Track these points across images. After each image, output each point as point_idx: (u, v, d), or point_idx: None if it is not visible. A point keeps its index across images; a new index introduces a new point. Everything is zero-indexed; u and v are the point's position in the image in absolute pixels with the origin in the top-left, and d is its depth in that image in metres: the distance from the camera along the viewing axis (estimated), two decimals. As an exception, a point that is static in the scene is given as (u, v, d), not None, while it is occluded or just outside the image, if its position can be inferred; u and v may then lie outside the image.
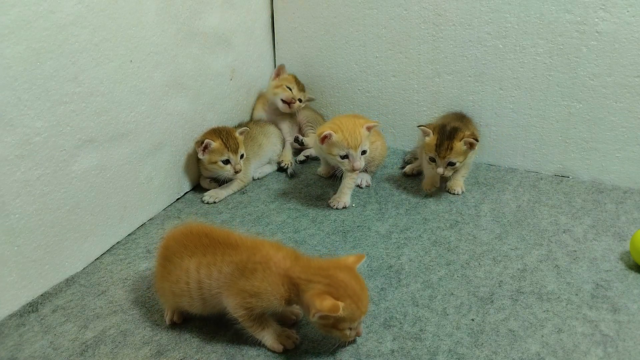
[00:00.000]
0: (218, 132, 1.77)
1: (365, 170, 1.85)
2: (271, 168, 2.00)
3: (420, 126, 1.75)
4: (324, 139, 1.62)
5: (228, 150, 1.74)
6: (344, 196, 1.75)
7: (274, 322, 1.18)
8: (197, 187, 1.89)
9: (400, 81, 2.04)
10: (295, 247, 1.32)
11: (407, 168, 1.93)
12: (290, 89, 2.02)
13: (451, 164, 1.70)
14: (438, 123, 1.76)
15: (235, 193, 1.85)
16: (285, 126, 2.09)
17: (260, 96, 2.15)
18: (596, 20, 1.68)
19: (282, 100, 2.02)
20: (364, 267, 1.40)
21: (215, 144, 1.73)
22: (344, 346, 1.19)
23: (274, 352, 1.18)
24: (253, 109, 2.15)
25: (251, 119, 2.13)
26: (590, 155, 1.84)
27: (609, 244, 1.52)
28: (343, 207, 1.73)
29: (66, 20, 1.31)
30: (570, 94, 1.80)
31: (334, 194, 1.78)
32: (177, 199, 1.82)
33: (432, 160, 1.72)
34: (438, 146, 1.69)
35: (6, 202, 1.25)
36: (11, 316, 1.29)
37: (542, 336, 1.21)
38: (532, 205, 1.72)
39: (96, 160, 1.46)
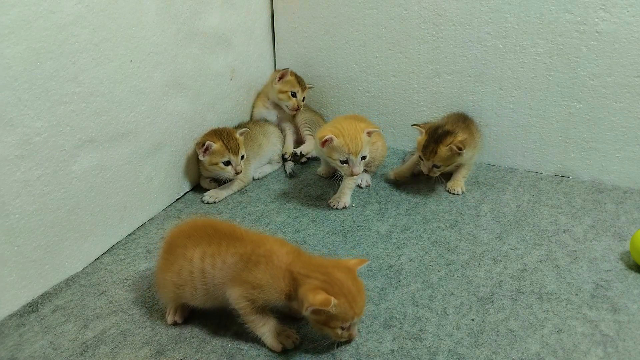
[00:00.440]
0: (219, 134, 1.77)
1: (365, 170, 1.85)
2: (271, 168, 2.00)
3: (414, 125, 1.79)
4: (324, 142, 1.61)
5: (229, 151, 1.74)
6: (344, 196, 1.75)
7: (275, 320, 1.19)
8: (197, 187, 1.89)
9: (400, 81, 2.04)
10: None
11: (392, 173, 1.91)
12: (295, 94, 2.02)
13: (436, 166, 1.72)
14: (433, 123, 1.77)
15: (235, 193, 1.85)
16: (288, 121, 2.10)
17: (260, 93, 2.15)
18: (596, 20, 1.68)
19: (287, 106, 2.04)
20: (364, 267, 1.40)
21: (216, 146, 1.73)
22: (340, 345, 1.19)
23: (273, 351, 1.18)
24: (253, 106, 2.14)
25: (251, 118, 2.13)
26: (590, 155, 1.84)
27: (609, 244, 1.52)
28: (343, 207, 1.73)
29: (66, 20, 1.31)
30: (570, 94, 1.80)
31: (334, 194, 1.78)
32: (177, 199, 1.82)
33: (421, 158, 1.76)
34: (425, 147, 1.72)
35: (6, 202, 1.25)
36: (11, 316, 1.29)
37: (542, 336, 1.21)
38: (532, 205, 1.72)
39: (96, 160, 1.46)
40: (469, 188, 1.83)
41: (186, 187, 1.86)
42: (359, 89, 2.13)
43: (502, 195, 1.79)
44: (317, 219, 1.68)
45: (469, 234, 1.58)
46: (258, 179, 1.95)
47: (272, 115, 2.11)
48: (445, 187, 1.83)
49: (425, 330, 1.23)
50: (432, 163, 1.72)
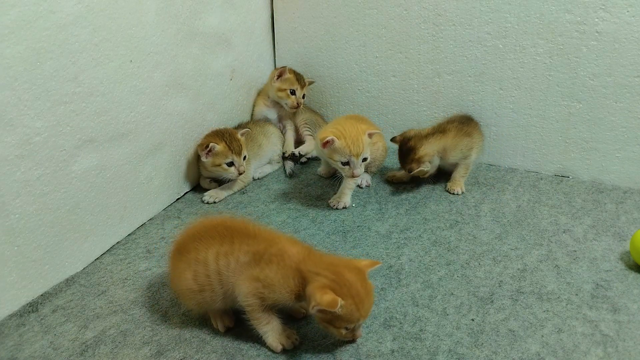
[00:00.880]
0: (221, 135, 1.77)
1: (365, 171, 1.85)
2: (271, 168, 2.00)
3: (392, 140, 1.82)
4: (325, 143, 1.61)
5: (232, 152, 1.74)
6: (344, 196, 1.75)
7: (278, 320, 1.19)
8: (197, 187, 1.89)
9: (400, 81, 2.04)
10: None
11: (390, 176, 1.91)
12: (294, 92, 2.02)
13: (415, 175, 1.76)
14: (407, 134, 1.78)
15: (235, 193, 1.85)
16: (288, 119, 2.10)
17: (261, 91, 2.15)
18: (596, 20, 1.68)
19: (286, 104, 2.04)
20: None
21: (219, 147, 1.73)
22: (341, 345, 1.19)
23: (273, 351, 1.18)
24: (254, 105, 2.14)
25: (251, 118, 2.13)
26: (590, 155, 1.84)
27: (609, 244, 1.52)
28: (343, 207, 1.73)
29: (66, 20, 1.31)
30: (570, 94, 1.80)
31: (334, 194, 1.78)
32: (177, 199, 1.82)
33: None
34: (399, 157, 1.79)
35: (6, 202, 1.25)
36: (11, 316, 1.29)
37: (542, 336, 1.21)
38: (532, 205, 1.72)
39: (96, 160, 1.46)
40: (469, 188, 1.83)
41: (186, 187, 1.86)
42: (359, 89, 2.13)
43: (502, 195, 1.79)
44: (317, 219, 1.68)
45: (469, 234, 1.58)
46: (258, 179, 1.95)
47: (273, 113, 2.11)
48: (445, 187, 1.83)
49: (425, 330, 1.23)
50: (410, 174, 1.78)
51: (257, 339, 1.20)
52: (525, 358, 1.15)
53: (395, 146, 1.80)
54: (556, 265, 1.44)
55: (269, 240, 1.17)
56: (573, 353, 1.16)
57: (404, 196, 1.80)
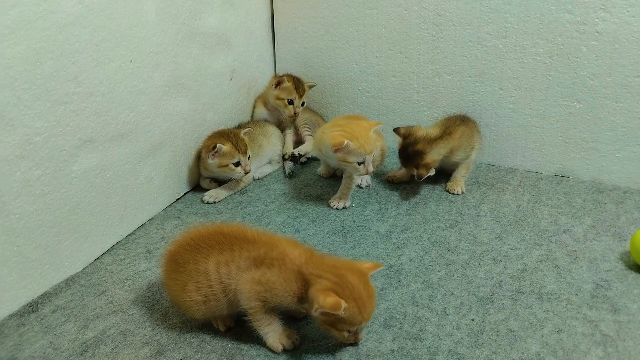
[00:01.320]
0: (226, 135, 1.77)
1: (355, 174, 1.84)
2: (271, 168, 2.00)
3: (395, 130, 1.80)
4: (339, 149, 1.60)
5: (239, 152, 1.74)
6: (344, 196, 1.75)
7: (279, 321, 1.18)
8: (197, 187, 1.89)
9: (400, 81, 2.04)
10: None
11: (390, 176, 1.91)
12: (292, 101, 2.01)
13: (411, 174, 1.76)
14: (412, 131, 1.76)
15: (235, 193, 1.85)
16: (289, 122, 2.10)
17: (260, 96, 2.15)
18: (596, 20, 1.68)
19: (283, 113, 2.04)
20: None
21: (225, 147, 1.73)
22: (341, 346, 1.19)
23: (273, 351, 1.18)
24: (254, 108, 2.14)
25: (252, 119, 2.13)
26: (590, 155, 1.84)
27: (609, 244, 1.52)
28: (343, 207, 1.73)
29: (66, 20, 1.31)
30: (570, 94, 1.80)
31: (334, 194, 1.78)
32: (177, 199, 1.82)
33: None
34: (399, 155, 1.78)
35: (6, 202, 1.25)
36: (11, 316, 1.29)
37: (542, 336, 1.21)
38: (532, 205, 1.72)
39: (96, 160, 1.46)
40: (469, 188, 1.83)
41: (186, 187, 1.86)
42: (359, 89, 2.13)
43: (502, 195, 1.79)
44: (317, 219, 1.68)
45: (469, 234, 1.58)
46: (258, 179, 1.95)
47: (272, 116, 2.11)
48: (445, 187, 1.83)
49: (425, 330, 1.23)
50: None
51: (257, 339, 1.20)
52: (525, 358, 1.15)
53: (395, 147, 1.80)
54: (556, 265, 1.44)
55: (269, 244, 1.16)
56: (573, 353, 1.16)
57: (404, 196, 1.80)
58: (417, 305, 1.31)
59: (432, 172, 1.72)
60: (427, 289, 1.37)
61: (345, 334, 1.13)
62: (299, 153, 2.00)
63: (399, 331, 1.23)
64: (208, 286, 1.16)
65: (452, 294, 1.34)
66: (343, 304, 1.05)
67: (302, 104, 2.04)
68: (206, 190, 1.84)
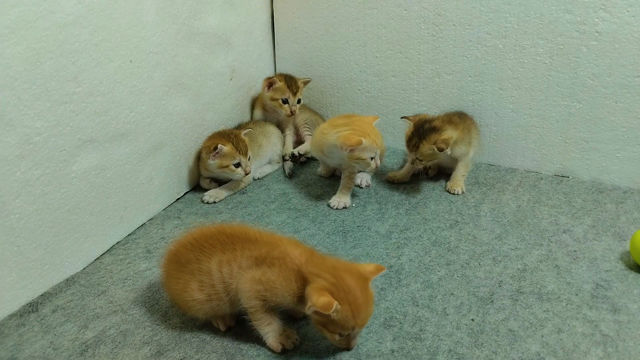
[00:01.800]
0: (227, 136, 1.77)
1: (364, 170, 1.85)
2: (271, 168, 2.00)
3: (403, 117, 1.80)
4: (353, 149, 1.61)
5: (239, 153, 1.75)
6: (344, 196, 1.75)
7: (279, 320, 1.18)
8: (197, 187, 1.89)
9: (400, 81, 2.04)
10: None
11: (390, 176, 1.91)
12: (287, 100, 2.00)
13: (418, 159, 1.73)
14: (424, 116, 1.76)
15: (235, 193, 1.85)
16: (288, 122, 2.10)
17: (257, 98, 2.14)
18: (596, 20, 1.68)
19: (280, 113, 2.04)
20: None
21: (226, 148, 1.73)
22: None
23: (272, 351, 1.18)
24: (253, 110, 2.14)
25: (251, 119, 2.13)
26: (590, 155, 1.84)
27: (609, 244, 1.52)
28: (343, 207, 1.73)
29: (66, 20, 1.31)
30: (570, 94, 1.80)
31: (334, 194, 1.78)
32: (177, 199, 1.82)
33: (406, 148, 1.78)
34: (409, 139, 1.73)
35: (6, 202, 1.25)
36: (11, 316, 1.29)
37: (542, 336, 1.21)
38: (532, 205, 1.72)
39: (96, 160, 1.46)
40: (469, 188, 1.83)
41: (186, 187, 1.86)
42: (359, 89, 2.13)
43: (502, 195, 1.79)
44: (317, 219, 1.68)
45: (469, 234, 1.58)
46: (258, 179, 1.95)
47: (271, 118, 2.10)
48: (445, 187, 1.83)
49: (425, 330, 1.23)
50: (415, 156, 1.73)
51: (257, 339, 1.20)
52: (525, 358, 1.15)
53: (395, 147, 1.80)
54: (556, 265, 1.44)
55: (270, 243, 1.16)
56: (573, 353, 1.16)
57: (404, 196, 1.80)
58: (417, 305, 1.31)
59: (448, 151, 1.69)
60: (427, 289, 1.37)
61: (337, 337, 1.12)
62: (298, 153, 2.00)
63: (399, 331, 1.23)
64: (211, 285, 1.16)
65: (452, 294, 1.34)
66: (335, 305, 1.04)
67: (299, 101, 2.04)
68: (206, 190, 1.84)
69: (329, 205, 1.75)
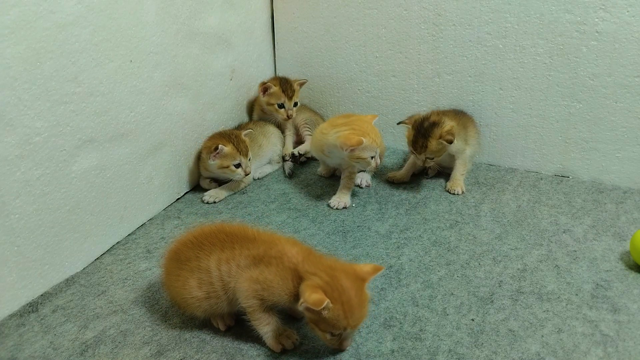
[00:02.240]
0: (227, 137, 1.77)
1: (364, 170, 1.85)
2: (271, 168, 2.00)
3: (399, 123, 1.79)
4: (354, 149, 1.61)
5: (240, 154, 1.75)
6: (344, 196, 1.75)
7: (278, 320, 1.18)
8: (197, 187, 1.89)
9: (400, 81, 2.04)
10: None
11: (390, 177, 1.90)
12: (283, 105, 2.00)
13: (429, 157, 1.73)
14: (419, 116, 1.76)
15: (235, 193, 1.85)
16: (289, 124, 2.10)
17: (256, 100, 2.14)
18: (596, 20, 1.68)
19: (278, 118, 2.04)
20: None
21: (227, 149, 1.73)
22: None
23: (272, 351, 1.18)
24: (252, 112, 2.14)
25: (251, 119, 2.13)
26: (590, 155, 1.84)
27: (609, 244, 1.52)
28: (343, 207, 1.73)
29: (66, 20, 1.31)
30: (570, 94, 1.80)
31: (334, 194, 1.78)
32: (177, 199, 1.82)
33: (412, 152, 1.77)
34: (414, 142, 1.72)
35: (6, 202, 1.25)
36: (11, 316, 1.29)
37: (542, 336, 1.21)
38: (532, 205, 1.72)
39: (96, 160, 1.46)
40: (469, 188, 1.83)
41: (186, 187, 1.86)
42: (359, 89, 2.13)
43: (502, 195, 1.79)
44: (317, 219, 1.68)
45: (469, 234, 1.58)
46: (258, 179, 1.95)
47: (271, 118, 2.10)
48: (445, 187, 1.83)
49: (425, 330, 1.23)
50: (425, 156, 1.72)
51: (257, 339, 1.20)
52: (525, 358, 1.15)
53: (395, 147, 1.80)
54: (556, 265, 1.44)
55: (268, 242, 1.17)
56: (573, 353, 1.16)
57: (404, 196, 1.80)
58: (417, 305, 1.31)
59: (455, 141, 1.70)
60: (427, 289, 1.37)
61: (328, 336, 1.11)
62: (298, 153, 2.01)
63: (399, 331, 1.23)
64: (209, 283, 1.17)
65: (452, 294, 1.34)
66: (326, 302, 1.04)
67: (296, 104, 2.04)
68: (206, 190, 1.84)
69: (329, 205, 1.75)
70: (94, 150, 1.45)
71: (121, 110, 1.52)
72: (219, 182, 1.86)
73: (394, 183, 1.88)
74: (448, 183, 1.83)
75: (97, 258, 1.51)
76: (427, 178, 1.90)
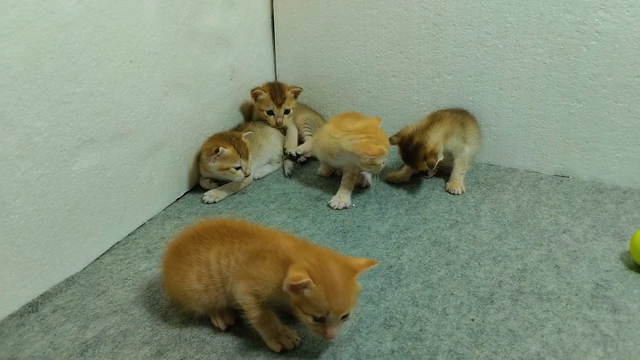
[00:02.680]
0: (228, 139, 1.77)
1: (364, 170, 1.85)
2: (271, 168, 2.00)
3: (390, 141, 1.79)
4: (372, 157, 1.65)
5: (240, 156, 1.75)
6: (344, 196, 1.75)
7: (277, 320, 1.19)
8: (197, 187, 1.89)
9: (400, 81, 2.04)
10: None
11: (390, 177, 1.91)
12: (272, 112, 2.01)
13: (429, 167, 1.75)
14: (405, 133, 1.78)
15: (235, 193, 1.85)
16: (289, 123, 2.10)
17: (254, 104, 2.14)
18: (596, 20, 1.68)
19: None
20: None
21: (227, 151, 1.73)
22: (341, 345, 1.19)
23: (272, 351, 1.18)
24: (253, 111, 2.14)
25: (251, 120, 2.13)
26: (590, 155, 1.84)
27: (609, 244, 1.52)
28: (343, 207, 1.73)
29: (66, 20, 1.31)
30: (570, 94, 1.80)
31: (334, 194, 1.78)
32: (177, 199, 1.82)
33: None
34: (406, 160, 1.80)
35: (6, 202, 1.25)
36: (11, 316, 1.29)
37: (542, 336, 1.21)
38: (532, 205, 1.72)
39: (96, 160, 1.46)
40: (469, 188, 1.83)
41: (186, 187, 1.86)
42: (359, 89, 2.13)
43: (502, 195, 1.79)
44: (317, 219, 1.68)
45: (469, 234, 1.58)
46: (258, 179, 1.95)
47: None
48: (445, 187, 1.83)
49: (425, 330, 1.23)
50: (420, 170, 1.79)
51: (257, 339, 1.20)
52: (525, 358, 1.15)
53: (395, 146, 1.80)
54: (556, 265, 1.44)
55: (265, 237, 1.18)
56: (573, 353, 1.16)
57: (404, 196, 1.80)
58: (417, 305, 1.31)
59: (440, 157, 1.73)
60: (427, 289, 1.37)
61: (310, 319, 1.10)
62: (297, 153, 2.01)
63: (399, 331, 1.23)
64: (209, 276, 1.18)
65: (452, 294, 1.34)
66: (306, 280, 1.04)
67: (287, 112, 2.04)
68: (206, 190, 1.84)
69: (329, 205, 1.75)
70: (94, 150, 1.45)
71: (121, 110, 1.52)
72: (219, 182, 1.86)
73: (394, 183, 1.88)
74: (448, 183, 1.83)
75: (97, 258, 1.51)
76: (427, 178, 1.90)
